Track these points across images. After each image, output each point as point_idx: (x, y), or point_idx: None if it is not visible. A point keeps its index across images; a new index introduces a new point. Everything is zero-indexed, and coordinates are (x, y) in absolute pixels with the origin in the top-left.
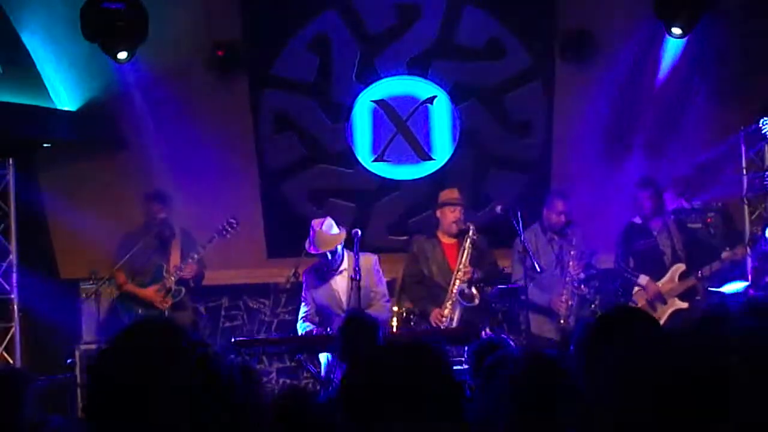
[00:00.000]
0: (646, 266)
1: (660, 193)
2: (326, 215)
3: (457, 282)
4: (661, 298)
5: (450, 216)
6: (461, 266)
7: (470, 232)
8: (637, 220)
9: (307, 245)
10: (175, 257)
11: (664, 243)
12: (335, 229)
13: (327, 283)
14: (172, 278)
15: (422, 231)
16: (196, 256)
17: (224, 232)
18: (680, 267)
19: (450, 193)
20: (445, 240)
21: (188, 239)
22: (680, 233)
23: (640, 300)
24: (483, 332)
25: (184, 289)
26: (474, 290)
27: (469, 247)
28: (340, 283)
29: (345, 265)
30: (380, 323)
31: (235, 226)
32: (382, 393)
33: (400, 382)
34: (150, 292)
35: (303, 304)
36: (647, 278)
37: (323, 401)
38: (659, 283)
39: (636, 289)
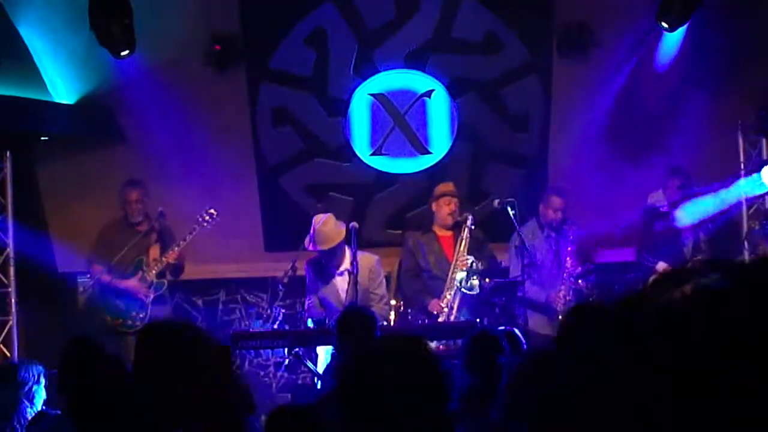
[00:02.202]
0: (667, 256)
1: (690, 183)
2: (327, 211)
3: (456, 270)
4: None
5: (445, 208)
6: (459, 255)
7: (468, 222)
8: (664, 208)
9: (306, 242)
10: (154, 250)
11: (686, 234)
12: (336, 227)
13: (329, 282)
14: (153, 271)
15: (419, 225)
16: (176, 248)
17: (204, 223)
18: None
19: (445, 186)
20: (441, 233)
21: (166, 231)
22: (707, 225)
23: None
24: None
25: (166, 282)
26: (474, 279)
27: (467, 236)
28: (340, 283)
29: (346, 264)
30: (377, 319)
31: (214, 216)
32: (376, 386)
33: (392, 375)
34: (132, 282)
35: (309, 296)
36: (665, 265)
37: (320, 396)
38: None
39: (654, 277)
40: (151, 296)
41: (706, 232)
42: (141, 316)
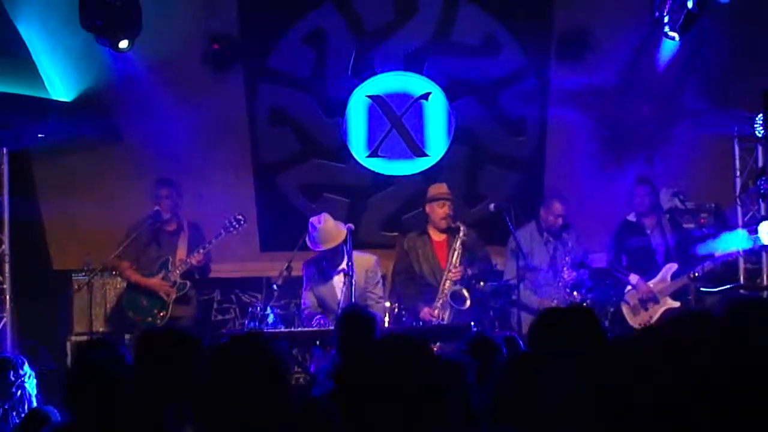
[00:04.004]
0: (639, 265)
1: (656, 190)
2: (322, 211)
3: (448, 282)
4: (653, 298)
5: (439, 212)
6: (451, 266)
7: (461, 233)
8: (632, 217)
9: (308, 242)
10: (181, 251)
11: (656, 241)
12: (336, 226)
13: (327, 281)
14: (177, 271)
15: (418, 225)
16: (202, 250)
17: (231, 228)
18: (672, 266)
19: (438, 188)
20: (435, 236)
21: (196, 233)
22: (674, 232)
23: (632, 300)
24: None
25: (189, 283)
26: (465, 292)
27: (459, 247)
28: (337, 283)
29: (343, 265)
30: (378, 319)
31: (242, 222)
32: (376, 389)
33: (393, 378)
34: (155, 280)
35: (305, 295)
36: (637, 277)
37: (315, 396)
38: (651, 283)
39: (628, 288)
40: (173, 295)
41: (675, 240)
42: (162, 314)
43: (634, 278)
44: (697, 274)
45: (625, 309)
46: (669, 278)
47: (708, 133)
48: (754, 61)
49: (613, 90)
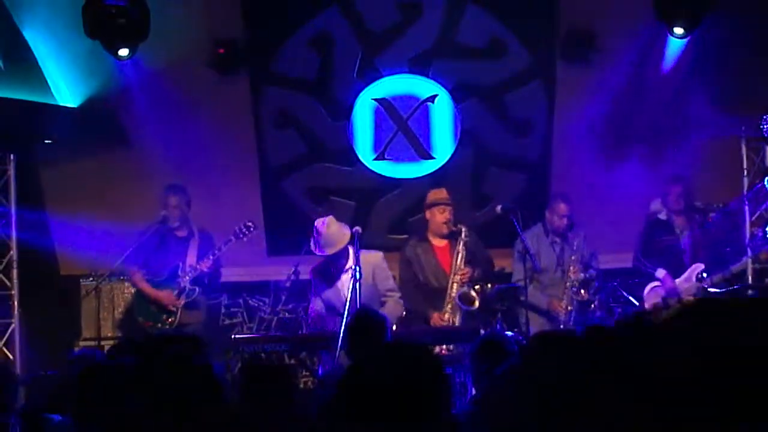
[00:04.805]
0: (665, 263)
1: (689, 189)
2: (328, 214)
3: (455, 285)
4: (677, 296)
5: (440, 217)
6: (457, 269)
7: (462, 234)
8: (663, 216)
9: (312, 247)
10: (191, 257)
11: (686, 242)
12: (340, 229)
13: (334, 284)
14: (187, 278)
15: (418, 231)
16: (212, 257)
17: (241, 235)
18: (699, 267)
19: (438, 193)
20: (436, 242)
21: (207, 240)
22: (702, 234)
23: (653, 298)
24: (482, 331)
25: (198, 289)
26: (473, 292)
27: (462, 249)
28: (345, 282)
29: (351, 263)
30: (388, 321)
31: (252, 229)
32: (382, 394)
33: (399, 383)
34: (163, 294)
35: (313, 300)
36: (664, 272)
37: (322, 401)
38: (677, 281)
39: (650, 286)
40: (182, 302)
41: (703, 242)
42: (170, 320)
43: (660, 272)
44: (705, 275)
45: (646, 307)
46: (694, 279)
47: (715, 134)
48: (761, 61)
49: (619, 91)
